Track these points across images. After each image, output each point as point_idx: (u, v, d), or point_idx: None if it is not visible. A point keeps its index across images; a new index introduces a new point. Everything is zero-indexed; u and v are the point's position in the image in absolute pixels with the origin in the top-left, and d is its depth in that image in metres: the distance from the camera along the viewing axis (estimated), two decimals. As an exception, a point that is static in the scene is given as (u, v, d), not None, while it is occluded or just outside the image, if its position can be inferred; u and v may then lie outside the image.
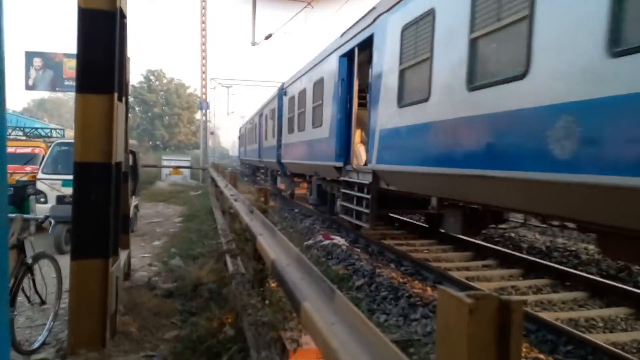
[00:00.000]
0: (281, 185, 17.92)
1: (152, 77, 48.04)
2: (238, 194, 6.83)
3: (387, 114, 7.30)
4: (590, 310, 5.25)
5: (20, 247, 3.82)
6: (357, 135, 9.50)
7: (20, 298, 3.89)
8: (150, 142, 46.77)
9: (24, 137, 12.68)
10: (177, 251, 7.73)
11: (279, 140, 15.97)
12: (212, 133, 40.33)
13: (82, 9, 2.99)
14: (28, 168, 9.97)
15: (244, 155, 32.58)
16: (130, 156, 7.38)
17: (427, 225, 10.01)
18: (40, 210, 8.46)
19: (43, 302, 4.20)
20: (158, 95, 47.88)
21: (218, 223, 9.45)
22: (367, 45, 8.23)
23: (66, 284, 3.98)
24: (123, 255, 4.94)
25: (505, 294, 5.72)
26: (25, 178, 9.41)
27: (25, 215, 3.97)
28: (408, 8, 6.61)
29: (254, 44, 20.98)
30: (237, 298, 3.83)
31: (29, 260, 3.90)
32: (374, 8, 7.95)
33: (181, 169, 24.51)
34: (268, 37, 21.71)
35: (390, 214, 11.28)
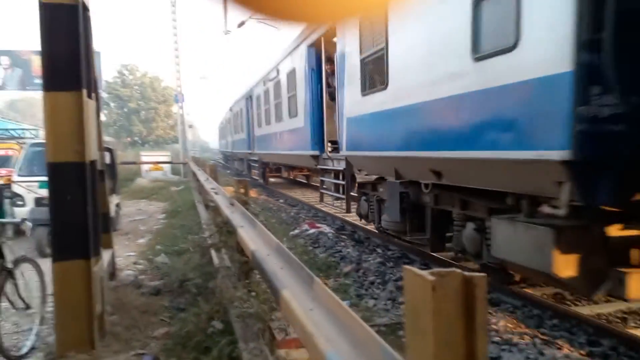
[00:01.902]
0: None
1: (125, 72, 47.12)
2: (219, 187, 6.77)
3: (352, 102, 7.49)
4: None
5: (-2, 251, 3.75)
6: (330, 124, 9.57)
7: (5, 304, 3.82)
8: (129, 138, 46.05)
9: (-4, 140, 12.38)
10: (162, 248, 7.67)
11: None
12: (190, 126, 39.84)
13: (43, 3, 2.89)
14: (3, 171, 9.73)
15: (225, 147, 32.31)
16: (107, 154, 7.26)
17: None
18: (20, 213, 8.29)
19: (28, 307, 4.13)
20: (133, 89, 47.00)
21: (202, 217, 9.37)
22: (332, 34, 8.55)
23: (51, 287, 3.91)
24: (106, 254, 4.87)
25: (490, 270, 5.79)
26: (0, 181, 9.19)
27: (0, 220, 3.87)
28: None
29: (226, 32, 20.72)
30: (223, 291, 3.81)
31: (9, 265, 3.83)
32: None
33: (161, 165, 24.22)
34: (241, 24, 21.44)
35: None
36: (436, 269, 1.01)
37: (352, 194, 8.81)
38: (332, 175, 9.14)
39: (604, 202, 3.30)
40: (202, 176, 10.40)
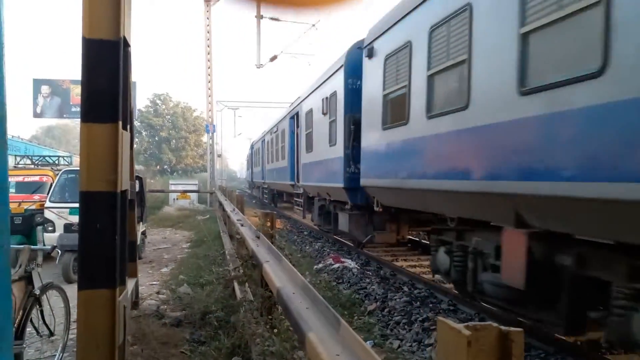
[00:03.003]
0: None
1: (158, 101, 48.48)
2: (245, 218, 6.77)
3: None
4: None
5: (28, 278, 3.79)
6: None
7: (29, 329, 3.84)
8: (158, 167, 47.00)
9: (32, 166, 12.76)
10: (185, 278, 7.66)
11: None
12: (219, 156, 40.50)
13: (86, 39, 2.99)
14: (36, 197, 9.99)
15: (260, 176, 30.58)
16: (137, 182, 7.38)
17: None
18: (48, 238, 8.45)
19: (52, 334, 4.15)
20: (164, 119, 48.25)
21: (226, 248, 9.39)
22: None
23: (74, 314, 3.92)
24: (130, 283, 4.87)
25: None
26: (33, 207, 9.42)
27: (32, 247, 3.93)
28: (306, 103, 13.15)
29: (259, 66, 21.22)
30: (245, 326, 3.75)
31: (37, 292, 3.86)
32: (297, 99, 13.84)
33: (188, 194, 24.56)
34: (273, 58, 21.99)
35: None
36: (472, 323, 0.98)
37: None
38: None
39: (361, 202, 9.11)
40: (228, 207, 10.47)
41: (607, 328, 3.80)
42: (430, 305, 6.16)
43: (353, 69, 9.18)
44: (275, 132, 19.95)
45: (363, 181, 8.51)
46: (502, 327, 0.97)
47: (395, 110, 7.09)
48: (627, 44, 3.19)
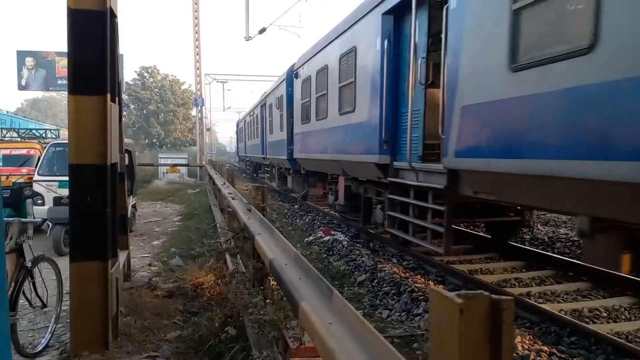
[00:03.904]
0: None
1: (145, 74, 47.66)
2: (236, 192, 6.79)
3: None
4: (594, 300, 5.23)
5: (19, 250, 3.81)
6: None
7: (22, 301, 3.88)
8: (147, 140, 46.54)
9: (18, 139, 12.61)
10: (176, 250, 7.72)
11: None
12: (208, 129, 40.19)
13: (72, 9, 2.94)
14: (24, 170, 9.91)
15: (243, 151, 32.51)
16: (126, 155, 7.35)
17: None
18: (38, 212, 8.43)
19: (44, 305, 4.19)
20: (152, 92, 47.51)
21: (217, 221, 9.42)
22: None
23: (67, 286, 3.96)
24: (122, 256, 4.92)
25: (508, 286, 5.71)
26: (21, 180, 9.35)
27: (23, 219, 3.93)
28: None
29: (248, 38, 20.92)
30: (237, 297, 3.81)
31: (28, 264, 3.88)
32: None
33: (178, 167, 24.46)
34: (262, 31, 21.67)
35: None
36: (463, 292, 1.00)
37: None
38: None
39: (298, 169, 13.87)
40: (219, 180, 10.46)
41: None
42: (419, 276, 6.28)
43: (289, 82, 13.93)
44: (252, 115, 25.15)
45: (295, 155, 13.26)
46: (493, 296, 1.01)
47: (305, 113, 11.90)
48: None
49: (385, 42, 6.79)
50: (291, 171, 14.91)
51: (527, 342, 4.08)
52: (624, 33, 3.17)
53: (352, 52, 8.14)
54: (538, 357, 3.83)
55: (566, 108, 3.66)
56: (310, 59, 11.23)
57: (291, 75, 13.57)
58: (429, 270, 6.57)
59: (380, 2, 6.93)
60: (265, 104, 19.43)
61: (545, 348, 3.99)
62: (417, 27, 6.03)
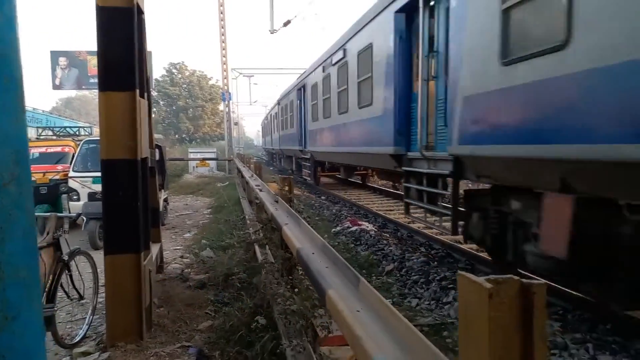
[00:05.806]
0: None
1: (174, 70, 48.41)
2: (263, 184, 6.85)
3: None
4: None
5: (56, 244, 3.92)
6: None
7: (60, 294, 4.00)
8: (177, 135, 47.34)
9: (54, 137, 12.98)
10: (207, 242, 7.84)
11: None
12: (236, 123, 40.55)
13: (100, 7, 3.00)
14: (60, 167, 10.21)
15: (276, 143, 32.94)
16: (157, 150, 7.49)
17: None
18: (74, 207, 8.68)
19: (81, 297, 4.30)
20: (181, 88, 48.26)
21: (246, 213, 9.51)
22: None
23: (102, 279, 4.08)
24: (155, 248, 5.03)
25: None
26: (57, 177, 9.65)
27: (59, 214, 4.06)
28: None
29: (272, 31, 20.94)
30: (267, 287, 3.85)
31: (65, 257, 3.99)
32: None
33: (207, 161, 24.79)
34: (287, 23, 21.64)
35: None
36: (493, 276, 0.97)
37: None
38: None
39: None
40: (247, 173, 10.57)
41: None
42: (448, 264, 6.22)
43: (299, 90, 17.59)
44: (274, 113, 29.38)
45: (308, 148, 16.28)
46: (524, 280, 0.97)
47: (314, 113, 14.67)
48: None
49: (398, 39, 7.37)
50: (307, 161, 17.96)
51: (560, 329, 4.00)
52: (593, 30, 3.35)
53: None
54: (573, 344, 3.76)
55: (546, 98, 3.88)
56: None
57: (302, 85, 16.79)
58: (458, 259, 6.50)
59: (393, 1, 7.45)
60: (285, 104, 22.20)
61: (579, 335, 3.91)
62: (424, 25, 6.39)
